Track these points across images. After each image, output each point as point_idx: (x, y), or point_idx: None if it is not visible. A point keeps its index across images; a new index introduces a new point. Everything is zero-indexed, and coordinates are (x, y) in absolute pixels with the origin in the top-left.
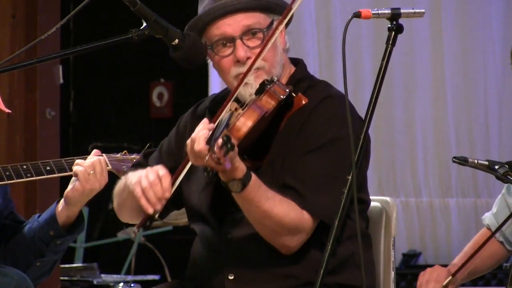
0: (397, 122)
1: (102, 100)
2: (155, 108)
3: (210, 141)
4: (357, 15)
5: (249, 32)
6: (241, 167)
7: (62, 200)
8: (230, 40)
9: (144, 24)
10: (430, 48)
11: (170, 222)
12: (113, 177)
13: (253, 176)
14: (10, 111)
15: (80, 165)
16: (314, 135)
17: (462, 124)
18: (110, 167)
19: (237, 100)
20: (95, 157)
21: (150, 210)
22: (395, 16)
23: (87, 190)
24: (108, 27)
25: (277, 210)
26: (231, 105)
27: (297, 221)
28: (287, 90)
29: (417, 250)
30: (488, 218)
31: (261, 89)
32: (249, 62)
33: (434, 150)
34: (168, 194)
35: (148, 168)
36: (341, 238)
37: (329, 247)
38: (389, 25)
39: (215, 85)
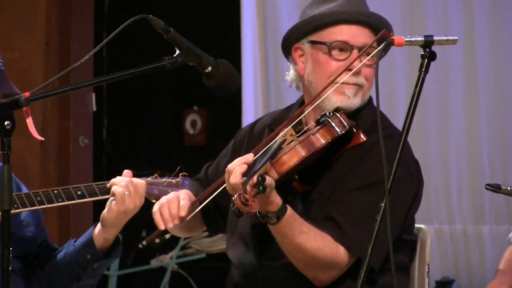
0: (430, 149)
1: (136, 128)
2: (188, 136)
3: (247, 175)
4: (390, 42)
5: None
6: (276, 201)
7: (99, 224)
8: (349, 48)
9: (177, 51)
10: (464, 74)
11: (204, 250)
12: (145, 202)
13: (289, 210)
14: (43, 139)
15: (117, 185)
16: (366, 173)
17: (496, 151)
18: None
19: (297, 123)
20: (126, 178)
21: (162, 226)
22: (428, 43)
23: (122, 211)
24: (141, 55)
25: (310, 244)
26: (287, 131)
27: (331, 257)
28: (347, 126)
29: (451, 277)
30: None
31: (322, 121)
32: (362, 74)
33: (468, 177)
34: (183, 213)
35: (173, 192)
36: (383, 268)
37: (362, 275)
38: (422, 52)
39: (249, 112)
